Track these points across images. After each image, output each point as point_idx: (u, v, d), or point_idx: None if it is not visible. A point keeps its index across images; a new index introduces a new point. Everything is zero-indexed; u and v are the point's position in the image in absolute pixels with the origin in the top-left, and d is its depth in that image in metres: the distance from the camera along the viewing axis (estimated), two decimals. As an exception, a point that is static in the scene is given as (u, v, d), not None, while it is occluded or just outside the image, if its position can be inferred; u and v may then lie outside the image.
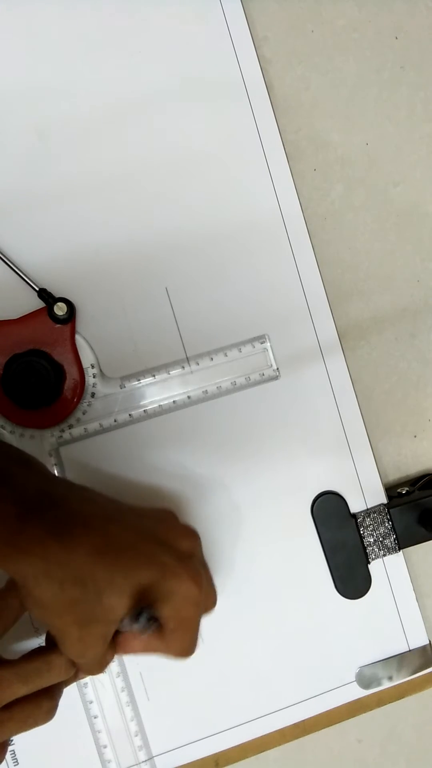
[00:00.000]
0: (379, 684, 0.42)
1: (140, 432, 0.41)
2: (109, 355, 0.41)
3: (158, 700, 0.41)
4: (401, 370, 0.44)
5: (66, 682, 0.37)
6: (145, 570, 0.32)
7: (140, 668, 0.41)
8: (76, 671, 0.38)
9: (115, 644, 0.34)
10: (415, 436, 0.44)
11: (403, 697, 0.43)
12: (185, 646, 0.34)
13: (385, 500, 0.42)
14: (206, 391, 0.41)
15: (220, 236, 0.42)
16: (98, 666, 0.34)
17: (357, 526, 0.42)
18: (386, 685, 0.42)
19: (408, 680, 0.42)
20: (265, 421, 0.42)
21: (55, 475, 0.40)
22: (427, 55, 0.44)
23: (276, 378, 0.42)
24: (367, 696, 0.42)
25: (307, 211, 0.43)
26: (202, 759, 0.41)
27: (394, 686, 0.42)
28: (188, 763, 0.41)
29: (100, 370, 0.41)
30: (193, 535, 0.37)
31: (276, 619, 0.42)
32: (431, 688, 0.43)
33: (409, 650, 0.42)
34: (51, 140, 0.41)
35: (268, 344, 0.42)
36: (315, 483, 0.42)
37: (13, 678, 0.33)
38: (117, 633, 0.34)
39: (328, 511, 0.42)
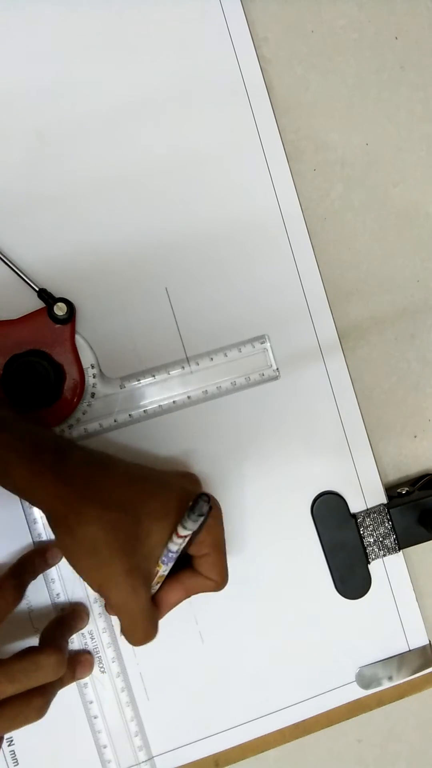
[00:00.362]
0: (379, 684, 0.42)
1: (140, 432, 0.41)
2: (109, 355, 0.41)
3: (158, 700, 0.41)
4: (401, 370, 0.44)
5: (62, 682, 0.37)
6: (171, 493, 0.34)
7: (140, 668, 0.41)
8: (72, 673, 0.38)
9: (157, 603, 0.35)
10: (415, 436, 0.44)
11: (403, 697, 0.43)
12: (222, 570, 0.36)
13: (385, 500, 0.42)
14: (206, 392, 0.41)
15: (220, 236, 0.42)
16: (150, 622, 0.34)
17: (357, 526, 0.42)
18: (386, 685, 0.42)
19: (408, 680, 0.42)
20: (265, 421, 0.42)
21: None
22: (427, 55, 0.44)
23: (276, 378, 0.42)
24: (367, 696, 0.42)
25: (307, 211, 0.43)
26: (202, 759, 0.41)
27: (394, 686, 0.42)
28: (188, 764, 0.41)
29: (100, 371, 0.41)
30: (195, 477, 0.40)
31: (276, 619, 0.42)
32: (431, 688, 0.43)
33: (409, 650, 0.42)
34: (51, 141, 0.41)
35: (268, 344, 0.42)
36: (315, 483, 0.42)
37: (0, 677, 0.33)
38: (155, 595, 0.35)
39: (328, 511, 0.42)
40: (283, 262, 0.42)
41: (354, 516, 0.42)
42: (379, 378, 0.44)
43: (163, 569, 0.34)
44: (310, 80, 0.43)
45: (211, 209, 0.42)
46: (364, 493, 0.42)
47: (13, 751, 0.40)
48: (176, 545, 0.33)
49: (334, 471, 0.42)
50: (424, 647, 0.42)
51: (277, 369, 0.42)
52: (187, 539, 0.33)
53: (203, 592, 0.36)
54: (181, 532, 0.32)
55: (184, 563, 0.36)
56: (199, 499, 0.31)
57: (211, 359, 0.42)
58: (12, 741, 0.40)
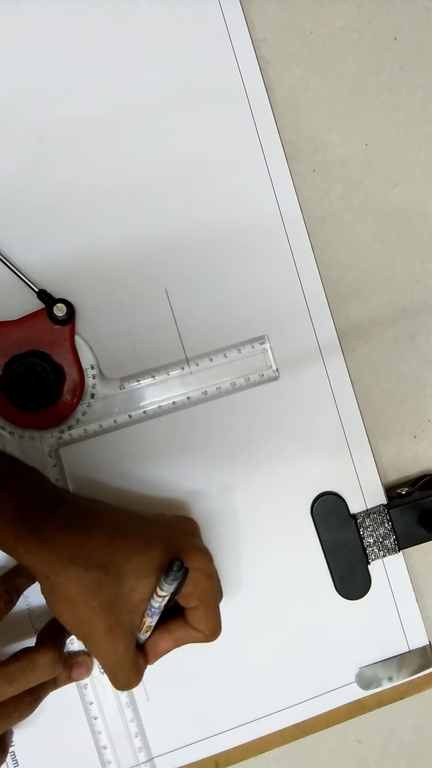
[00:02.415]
0: (379, 685, 0.42)
1: (140, 433, 0.41)
2: (109, 356, 0.41)
3: (158, 700, 0.41)
4: (401, 370, 0.44)
5: (56, 683, 0.37)
6: (156, 549, 0.34)
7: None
8: (68, 674, 0.38)
9: (145, 652, 0.35)
10: (415, 437, 0.44)
11: (403, 698, 0.43)
12: (211, 623, 0.36)
13: (384, 501, 0.42)
14: (206, 392, 0.41)
15: (220, 237, 0.42)
16: (132, 671, 0.34)
17: (357, 526, 0.42)
18: (386, 685, 0.42)
19: (408, 681, 0.42)
20: (264, 421, 0.42)
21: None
22: (426, 55, 0.44)
23: (275, 379, 0.42)
24: (367, 697, 0.42)
25: (307, 211, 0.43)
26: (202, 760, 0.41)
27: (394, 687, 0.42)
28: (188, 764, 0.41)
29: (100, 371, 0.41)
30: (190, 520, 0.39)
31: (276, 619, 0.42)
32: (431, 688, 0.43)
33: (409, 651, 0.42)
34: (50, 142, 0.41)
35: (268, 345, 0.42)
36: (315, 483, 0.42)
37: None
38: (144, 644, 0.35)
39: (328, 511, 0.42)
40: (283, 262, 0.42)
41: (354, 516, 0.42)
42: (379, 378, 0.44)
43: (150, 620, 0.34)
44: (309, 81, 0.43)
45: (211, 210, 0.42)
46: (363, 494, 0.42)
47: (13, 752, 0.40)
48: (157, 602, 0.33)
49: (333, 471, 0.42)
50: (424, 648, 0.42)
51: (277, 370, 0.42)
52: (167, 598, 0.33)
53: (192, 642, 0.36)
54: (160, 592, 0.32)
55: (177, 611, 0.36)
56: (172, 564, 0.31)
57: (211, 360, 0.42)
58: (12, 742, 0.40)
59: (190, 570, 0.34)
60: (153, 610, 0.33)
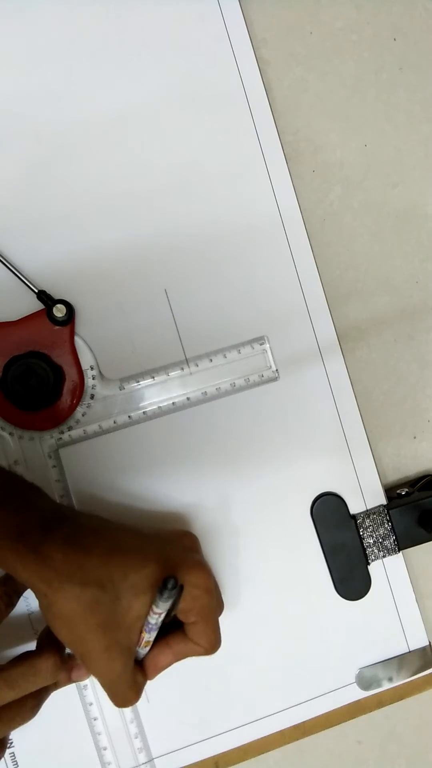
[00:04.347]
0: (379, 685, 0.42)
1: (140, 433, 0.41)
2: (109, 356, 0.41)
3: (158, 701, 0.41)
4: (400, 371, 0.44)
5: (56, 685, 0.38)
6: (154, 565, 0.34)
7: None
8: (68, 675, 0.38)
9: (144, 667, 0.35)
10: (415, 437, 0.44)
11: (403, 699, 0.43)
12: (211, 638, 0.36)
13: (384, 501, 0.42)
14: (205, 393, 0.41)
15: (219, 238, 0.42)
16: (130, 689, 0.34)
17: (356, 527, 0.42)
18: (386, 686, 0.42)
19: (408, 681, 0.42)
20: (264, 422, 0.42)
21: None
22: (426, 56, 0.44)
23: (275, 379, 0.42)
24: (367, 697, 0.42)
25: (306, 212, 0.43)
26: (202, 761, 0.41)
27: (394, 687, 0.42)
28: (189, 765, 0.41)
29: (100, 372, 0.41)
30: (190, 535, 0.39)
31: (276, 620, 0.42)
32: (431, 689, 0.43)
33: (409, 651, 0.42)
34: (50, 144, 0.41)
35: (268, 345, 0.42)
36: (314, 484, 0.42)
37: (1, 684, 0.34)
38: (144, 659, 0.35)
39: (328, 512, 0.42)
40: (282, 263, 0.42)
41: (354, 517, 0.42)
42: (379, 379, 0.44)
43: (148, 636, 0.34)
44: (308, 81, 0.43)
45: (210, 211, 0.42)
46: (363, 494, 0.42)
47: (12, 753, 0.40)
48: (154, 619, 0.33)
49: (333, 472, 0.42)
50: (424, 648, 0.42)
51: (277, 370, 0.42)
52: (163, 614, 0.33)
53: (192, 656, 0.36)
54: (156, 609, 0.32)
55: (176, 625, 0.36)
56: (166, 582, 0.31)
57: (211, 360, 0.42)
58: (12, 743, 0.40)
59: (188, 586, 0.34)
60: (150, 626, 0.33)
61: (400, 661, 0.42)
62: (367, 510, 0.42)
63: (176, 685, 0.41)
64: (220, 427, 0.42)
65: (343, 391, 0.42)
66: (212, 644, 0.36)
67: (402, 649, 0.42)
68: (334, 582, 0.42)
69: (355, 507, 0.42)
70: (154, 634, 0.34)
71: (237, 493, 0.42)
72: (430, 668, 0.42)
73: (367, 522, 0.42)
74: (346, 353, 0.43)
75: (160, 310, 0.42)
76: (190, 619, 0.35)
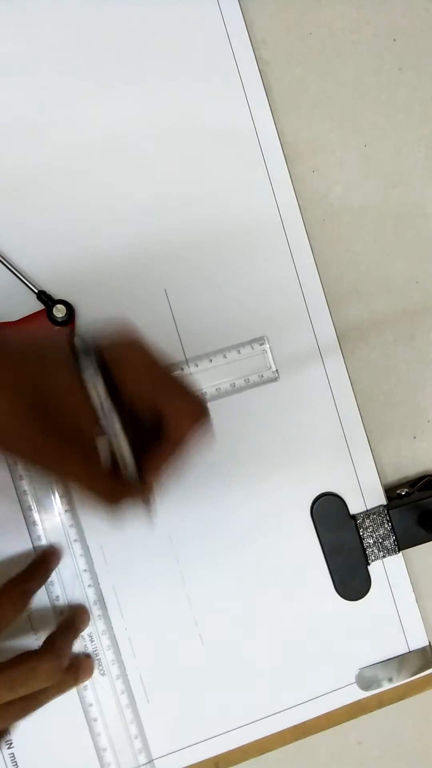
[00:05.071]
0: (379, 685, 0.42)
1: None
2: None
3: (158, 702, 0.41)
4: (400, 371, 0.44)
5: (61, 688, 0.37)
6: (53, 353, 0.30)
7: (140, 670, 0.41)
8: (76, 677, 0.38)
9: (145, 471, 0.31)
10: (415, 437, 0.44)
11: (403, 699, 0.43)
12: (186, 399, 0.31)
13: (384, 501, 0.42)
14: (205, 393, 0.41)
15: (219, 238, 0.42)
16: (110, 484, 0.30)
17: (356, 527, 0.42)
18: (386, 686, 0.42)
19: (408, 682, 0.42)
20: (264, 422, 0.42)
21: None
22: (426, 56, 0.44)
23: (275, 380, 0.42)
24: (368, 697, 0.42)
25: (306, 212, 0.43)
26: (202, 761, 0.41)
27: (394, 688, 0.42)
28: (189, 766, 0.41)
29: None
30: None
31: (276, 620, 0.42)
32: (431, 689, 0.43)
33: (409, 651, 0.42)
34: (50, 143, 0.41)
35: (267, 346, 0.42)
36: (314, 484, 0.42)
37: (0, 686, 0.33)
38: (142, 463, 0.31)
39: (328, 512, 0.42)
40: (282, 263, 0.42)
41: (354, 517, 0.42)
42: (378, 379, 0.44)
43: (111, 428, 0.30)
44: (308, 82, 0.43)
45: (210, 211, 0.42)
46: (363, 495, 0.42)
47: (12, 754, 0.40)
48: (95, 397, 0.29)
49: (333, 472, 0.42)
50: (424, 648, 0.42)
51: (277, 370, 0.42)
52: (101, 387, 0.29)
53: (188, 434, 0.31)
54: (89, 384, 0.29)
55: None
56: (73, 341, 0.28)
57: (210, 361, 0.42)
58: (11, 744, 0.40)
59: (122, 366, 0.30)
60: (101, 410, 0.29)
61: (400, 662, 0.42)
62: (367, 510, 0.42)
63: (177, 685, 0.41)
64: (219, 427, 0.42)
65: (343, 391, 0.42)
66: (192, 404, 0.31)
67: (402, 649, 0.42)
68: (334, 582, 0.42)
69: (355, 507, 0.42)
70: (115, 422, 0.30)
71: (237, 493, 0.42)
72: (430, 668, 0.42)
73: (367, 522, 0.42)
74: (346, 353, 0.43)
75: (160, 310, 0.41)
76: (148, 390, 0.30)
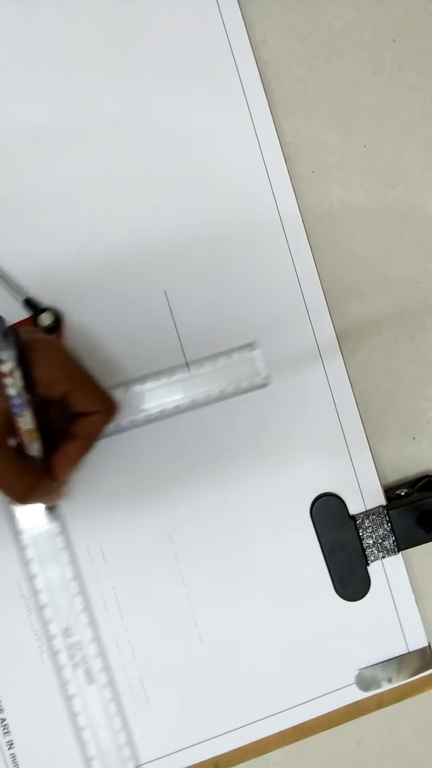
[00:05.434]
0: (379, 686, 0.42)
1: (137, 439, 0.41)
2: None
3: (158, 702, 0.41)
4: (400, 371, 0.44)
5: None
6: None
7: (140, 671, 0.41)
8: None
9: (53, 466, 0.32)
10: (414, 438, 0.44)
11: (402, 699, 0.43)
12: (99, 395, 0.32)
13: (384, 502, 0.42)
14: (194, 401, 0.41)
15: (218, 239, 0.42)
16: (21, 478, 0.31)
17: (356, 527, 0.42)
18: (386, 687, 0.42)
19: (407, 682, 0.42)
20: (264, 422, 0.42)
21: None
22: (425, 57, 0.44)
23: (265, 386, 0.42)
24: (367, 698, 0.42)
25: (306, 213, 0.43)
26: (201, 762, 0.41)
27: (394, 688, 0.42)
28: (188, 767, 0.41)
29: None
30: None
31: (275, 621, 0.42)
32: (431, 690, 0.43)
33: (409, 652, 0.42)
34: (46, 143, 0.41)
35: (258, 352, 0.41)
36: (314, 485, 0.42)
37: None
38: (51, 458, 0.31)
39: (328, 512, 0.42)
40: (282, 264, 0.42)
41: (353, 518, 0.42)
42: (378, 379, 0.44)
43: (24, 421, 0.30)
44: (308, 82, 0.43)
45: (209, 212, 0.42)
46: (363, 495, 0.42)
47: (13, 754, 0.40)
48: (11, 387, 0.29)
49: (333, 473, 0.42)
50: (423, 649, 0.42)
51: (266, 377, 0.42)
52: (17, 374, 0.29)
53: (98, 429, 0.32)
54: (3, 368, 0.28)
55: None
56: None
57: (201, 366, 0.41)
58: (12, 744, 0.40)
59: (37, 363, 0.30)
60: (14, 401, 0.29)
61: (400, 662, 0.42)
62: (366, 511, 0.42)
63: (176, 685, 0.41)
64: (220, 427, 0.42)
65: (342, 392, 0.42)
66: (104, 401, 0.32)
67: (401, 649, 0.42)
68: (334, 582, 0.42)
69: (354, 507, 0.42)
70: (28, 415, 0.30)
71: (237, 494, 0.42)
72: (429, 669, 0.42)
73: (367, 522, 0.42)
74: (346, 354, 0.43)
75: (160, 311, 0.41)
76: (62, 388, 0.31)
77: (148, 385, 0.41)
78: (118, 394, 0.41)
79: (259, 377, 0.42)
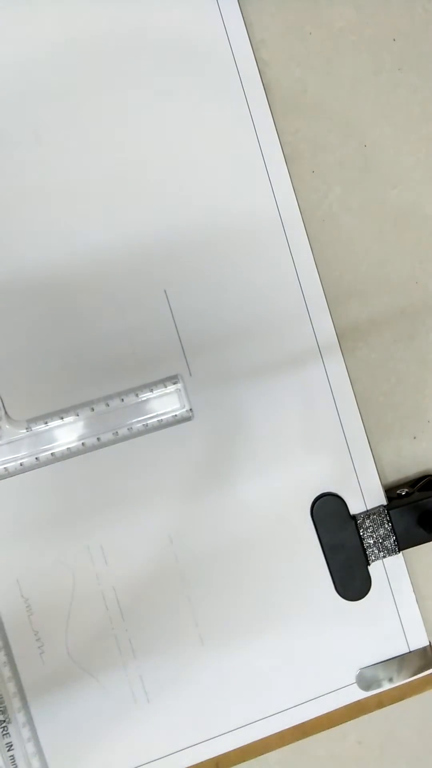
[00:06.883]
0: (380, 686, 0.42)
1: (141, 440, 0.41)
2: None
3: (158, 702, 0.41)
4: (400, 371, 0.44)
5: None
6: None
7: (140, 671, 0.41)
8: None
9: None
10: (415, 437, 0.44)
11: (403, 699, 0.43)
12: None
13: (384, 502, 0.42)
14: (116, 433, 0.40)
15: (218, 239, 0.42)
16: None
17: (357, 527, 0.42)
18: (386, 686, 0.42)
19: (408, 682, 0.42)
20: (264, 422, 0.42)
21: None
22: (425, 57, 0.44)
23: (189, 419, 0.41)
24: (368, 698, 0.42)
25: (306, 213, 0.43)
26: (201, 762, 0.41)
27: (395, 688, 0.42)
28: (189, 767, 0.41)
29: (5, 412, 0.40)
30: None
31: (276, 620, 0.42)
32: (431, 689, 0.43)
33: (410, 652, 0.42)
34: (48, 142, 0.41)
35: (181, 385, 0.41)
36: (314, 484, 0.42)
37: None
38: None
39: (328, 512, 0.42)
40: (282, 263, 0.42)
41: (354, 517, 0.42)
42: (378, 379, 0.44)
43: None
44: (308, 82, 0.43)
45: (209, 212, 0.42)
46: (363, 495, 0.42)
47: (12, 755, 0.40)
48: None
49: (333, 472, 0.42)
50: (424, 648, 0.42)
51: (191, 410, 0.41)
52: None
53: None
54: None
55: None
56: None
57: (122, 400, 0.40)
58: (12, 746, 0.40)
59: None
60: None
61: (401, 662, 0.42)
62: (367, 510, 0.42)
63: (176, 685, 0.41)
64: (219, 427, 0.42)
65: (343, 392, 0.42)
66: None
67: (402, 649, 0.42)
68: (334, 582, 0.42)
69: (355, 507, 0.42)
70: None
71: (237, 493, 0.42)
72: (430, 668, 0.42)
73: (367, 522, 0.42)
74: (346, 353, 0.43)
75: (160, 311, 0.41)
76: None
77: (70, 417, 0.41)
78: (33, 429, 0.40)
79: (184, 410, 0.41)
